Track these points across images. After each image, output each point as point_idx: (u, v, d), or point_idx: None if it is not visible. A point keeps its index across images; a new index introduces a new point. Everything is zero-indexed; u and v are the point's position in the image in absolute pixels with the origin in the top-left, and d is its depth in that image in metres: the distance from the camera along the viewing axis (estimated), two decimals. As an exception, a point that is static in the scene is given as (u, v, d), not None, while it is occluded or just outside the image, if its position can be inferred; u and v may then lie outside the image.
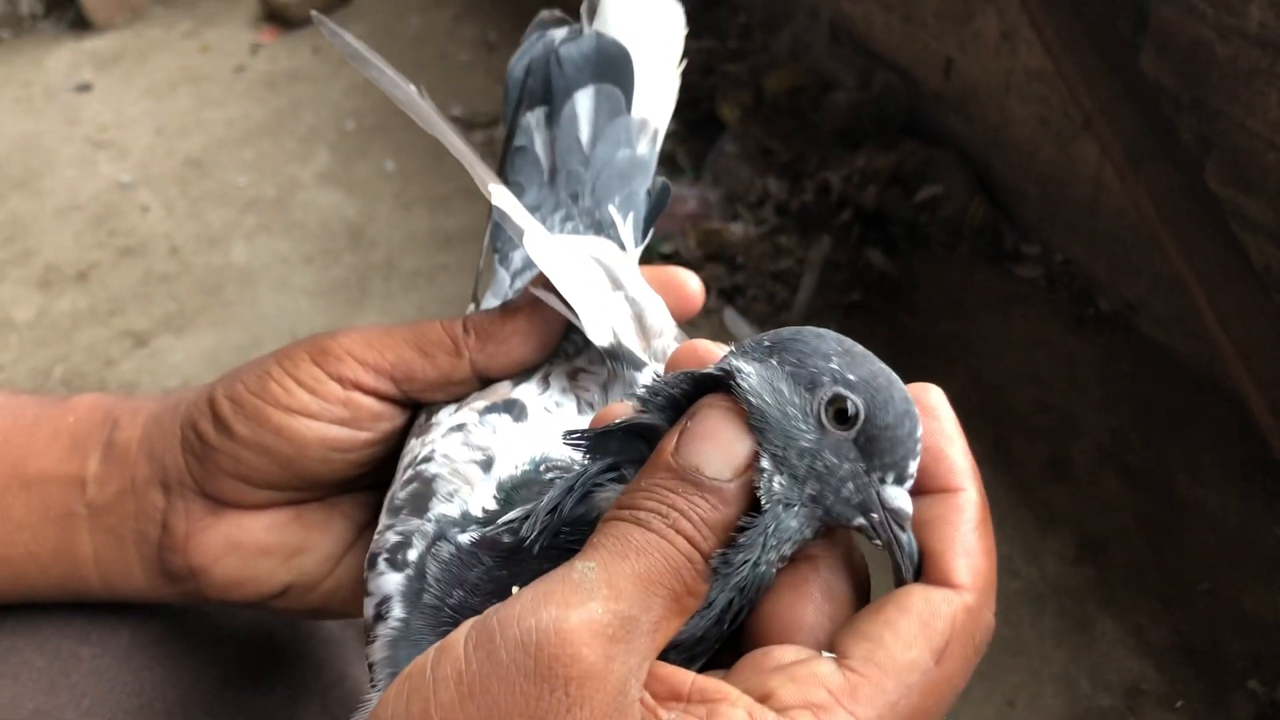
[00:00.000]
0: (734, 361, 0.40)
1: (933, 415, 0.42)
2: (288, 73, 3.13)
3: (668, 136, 2.31)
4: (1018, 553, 1.71)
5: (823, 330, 0.41)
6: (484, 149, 2.69)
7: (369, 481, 0.55)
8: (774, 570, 0.40)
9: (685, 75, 0.62)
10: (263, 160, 2.79)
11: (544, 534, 0.41)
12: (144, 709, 0.56)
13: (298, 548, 0.55)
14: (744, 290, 2.18)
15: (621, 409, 0.43)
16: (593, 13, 0.61)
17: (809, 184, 2.30)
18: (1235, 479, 1.75)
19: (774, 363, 0.40)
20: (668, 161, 2.45)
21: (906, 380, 0.41)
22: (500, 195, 0.51)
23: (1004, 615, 1.63)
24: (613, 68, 0.59)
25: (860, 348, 0.41)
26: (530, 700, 0.34)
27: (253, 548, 0.54)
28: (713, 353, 0.43)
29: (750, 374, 0.40)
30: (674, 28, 0.61)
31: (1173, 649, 1.57)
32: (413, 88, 0.53)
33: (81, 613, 0.57)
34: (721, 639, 0.40)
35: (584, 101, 0.59)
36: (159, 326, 2.35)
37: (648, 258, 0.61)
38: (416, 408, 0.54)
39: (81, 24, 3.42)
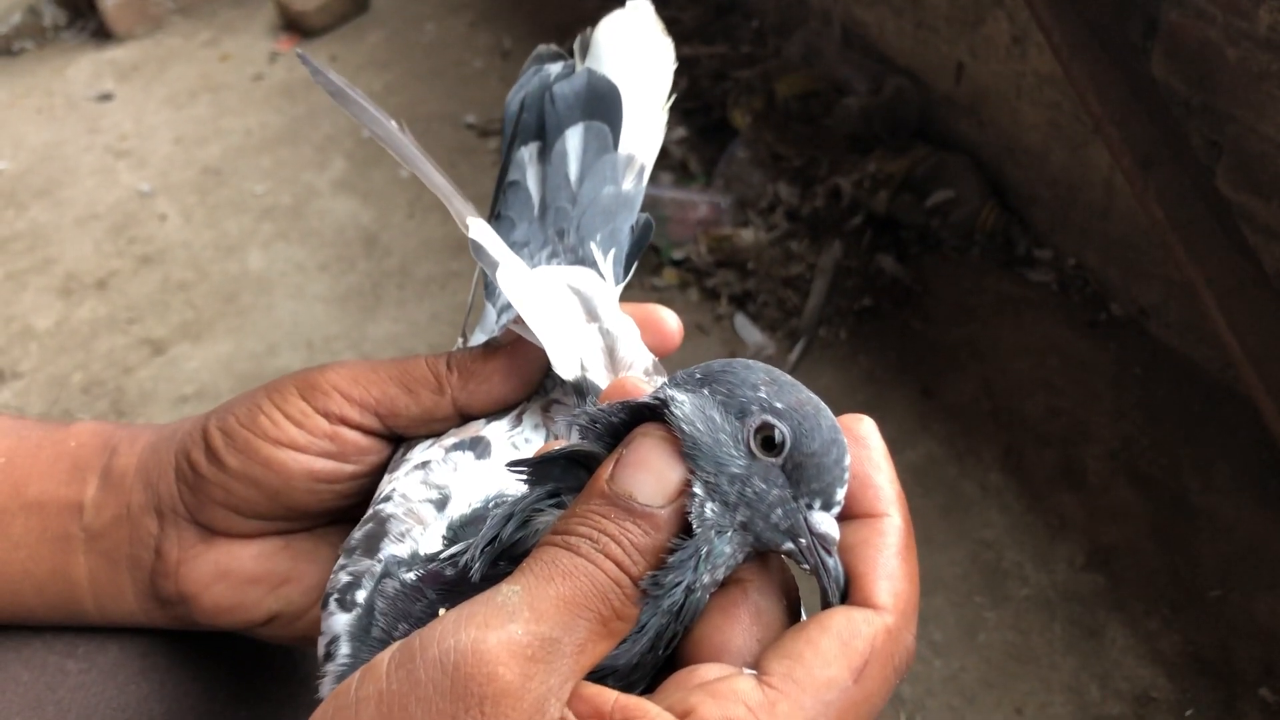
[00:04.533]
0: (669, 391, 0.42)
1: (862, 444, 0.43)
2: (305, 81, 3.15)
3: (680, 142, 2.30)
4: (1028, 559, 1.71)
5: (752, 361, 0.43)
6: (497, 155, 2.71)
7: (357, 513, 0.56)
8: (706, 595, 0.41)
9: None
10: (280, 168, 2.81)
11: (483, 562, 0.42)
12: None
13: (285, 577, 0.56)
14: (755, 296, 2.18)
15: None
16: (585, 49, 0.62)
17: (820, 189, 2.30)
18: (1248, 486, 1.75)
19: (706, 393, 0.42)
20: (679, 167, 2.45)
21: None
22: (477, 229, 0.51)
23: (1013, 623, 1.64)
24: (602, 105, 0.60)
25: (789, 378, 0.43)
26: (446, 718, 0.36)
27: (241, 576, 0.55)
28: (640, 388, 0.45)
29: (684, 403, 0.41)
30: (664, 65, 0.62)
31: (1183, 657, 1.57)
32: (393, 123, 0.54)
33: (70, 627, 0.58)
34: (657, 665, 0.41)
35: (574, 138, 0.60)
36: (176, 334, 2.37)
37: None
38: (401, 441, 0.55)
39: (103, 34, 3.45)
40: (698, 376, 0.43)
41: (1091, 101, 1.70)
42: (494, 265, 0.50)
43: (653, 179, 2.28)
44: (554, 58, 0.63)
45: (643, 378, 0.51)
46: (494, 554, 0.42)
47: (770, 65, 2.56)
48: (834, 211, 2.28)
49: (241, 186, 2.77)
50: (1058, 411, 1.91)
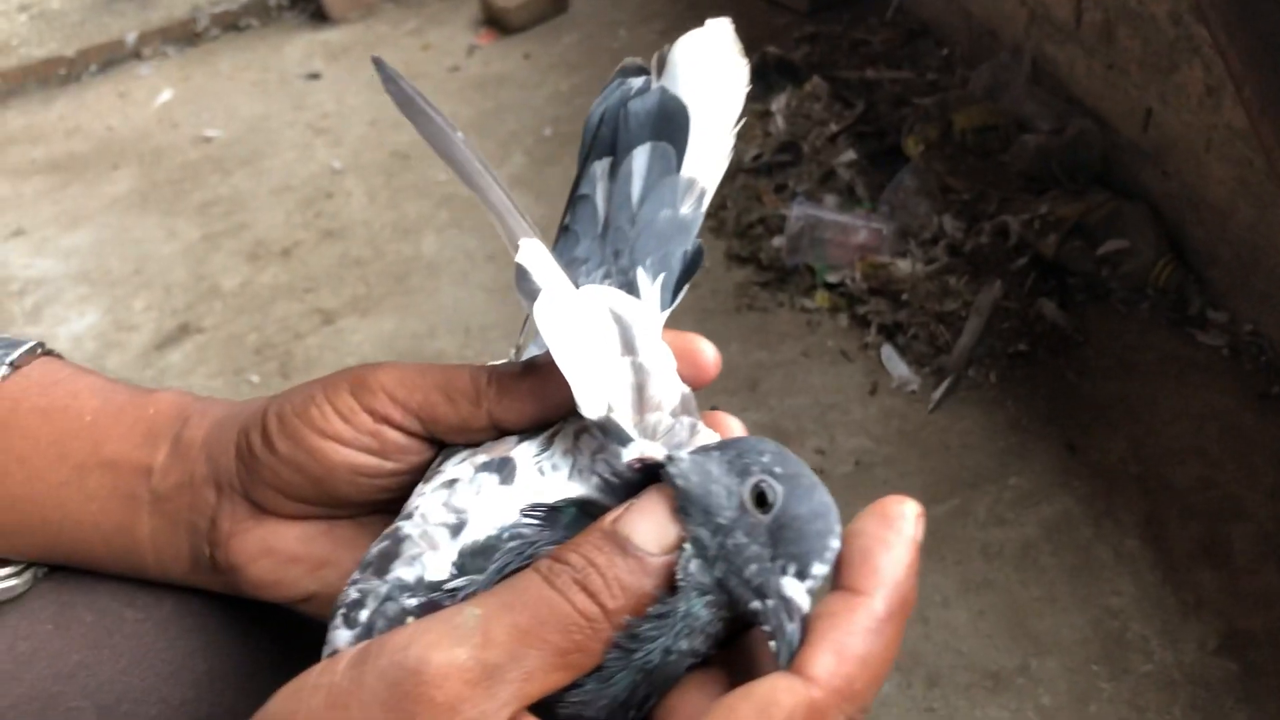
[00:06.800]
0: (677, 452, 0.43)
1: (888, 523, 0.42)
2: (498, 76, 3.26)
3: (849, 165, 2.26)
4: (1155, 634, 1.62)
5: (766, 439, 0.44)
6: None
7: (398, 507, 0.58)
8: (685, 663, 0.41)
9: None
10: (462, 158, 2.92)
11: None
12: (174, 676, 0.61)
13: (324, 560, 0.59)
14: (905, 328, 2.14)
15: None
16: (662, 66, 0.62)
17: (987, 226, 2.24)
18: None
19: (716, 454, 0.43)
20: (846, 190, 2.43)
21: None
22: (528, 250, 0.51)
23: (1130, 698, 1.56)
24: (670, 125, 0.59)
25: (797, 458, 0.43)
26: None
27: (284, 554, 0.59)
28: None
29: (684, 460, 0.43)
30: (737, 87, 0.61)
31: (1313, 761, 1.47)
32: (459, 135, 0.55)
33: (133, 580, 0.62)
34: None
35: (640, 158, 0.59)
36: (346, 307, 2.50)
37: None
38: (444, 446, 0.57)
39: (320, 16, 3.66)
40: (713, 445, 0.44)
41: (1278, 160, 1.60)
42: (534, 294, 0.50)
43: (817, 200, 2.24)
44: (637, 71, 0.62)
45: (669, 419, 0.51)
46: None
47: (951, 95, 2.51)
48: (999, 250, 2.21)
49: (425, 173, 2.89)
50: (1210, 483, 1.81)
